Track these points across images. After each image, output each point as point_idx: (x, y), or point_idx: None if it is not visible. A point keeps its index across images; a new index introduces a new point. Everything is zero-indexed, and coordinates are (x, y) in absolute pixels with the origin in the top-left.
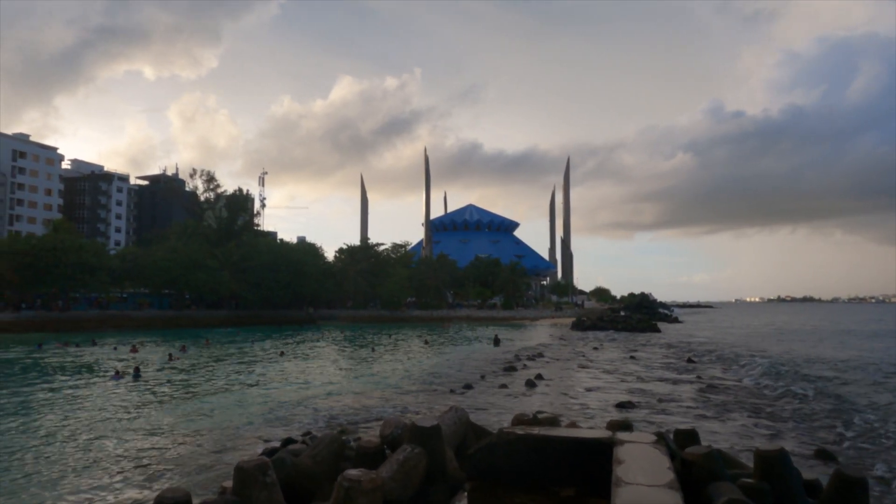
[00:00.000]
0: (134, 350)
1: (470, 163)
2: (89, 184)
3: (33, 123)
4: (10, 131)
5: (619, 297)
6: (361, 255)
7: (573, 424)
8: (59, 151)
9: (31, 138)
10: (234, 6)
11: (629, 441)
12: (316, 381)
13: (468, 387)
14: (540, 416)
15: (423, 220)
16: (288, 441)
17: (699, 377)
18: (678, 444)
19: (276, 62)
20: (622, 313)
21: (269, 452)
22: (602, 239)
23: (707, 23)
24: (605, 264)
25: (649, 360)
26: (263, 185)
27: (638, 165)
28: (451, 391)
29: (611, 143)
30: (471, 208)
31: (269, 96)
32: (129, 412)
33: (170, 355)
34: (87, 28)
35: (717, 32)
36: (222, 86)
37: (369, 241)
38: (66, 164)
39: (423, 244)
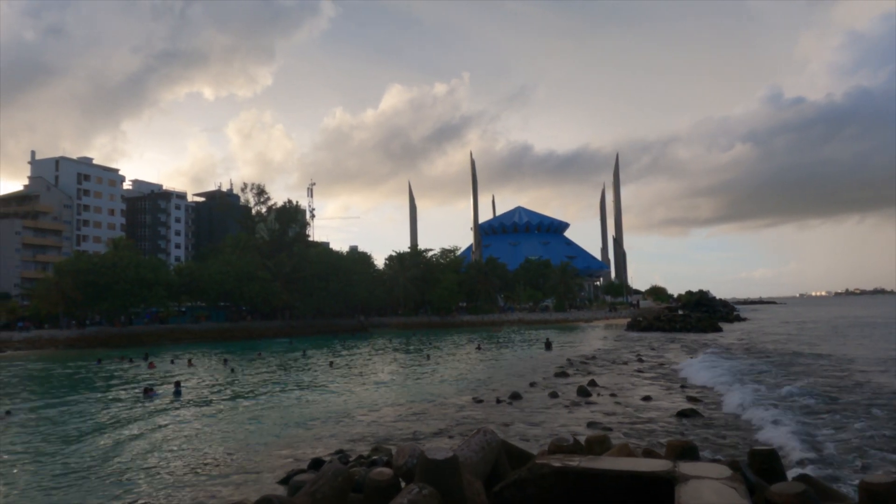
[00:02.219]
0: (190, 363)
1: (521, 165)
2: (149, 202)
3: (103, 149)
4: (84, 156)
5: (675, 295)
6: (411, 262)
7: (625, 448)
8: (120, 172)
9: (101, 163)
10: (285, 24)
11: (696, 476)
12: (361, 393)
13: (516, 396)
14: (582, 437)
15: (472, 224)
16: (316, 463)
17: (775, 381)
18: (755, 469)
19: (327, 75)
20: (680, 312)
21: (294, 474)
22: (657, 236)
23: (760, 9)
24: (660, 262)
25: (713, 362)
26: (312, 196)
27: (693, 159)
28: (498, 401)
29: (664, 137)
30: (519, 210)
31: (321, 109)
32: (162, 429)
33: (226, 362)
34: (151, 54)
35: (771, 17)
36: (277, 101)
37: (418, 248)
38: (127, 185)
39: (473, 248)
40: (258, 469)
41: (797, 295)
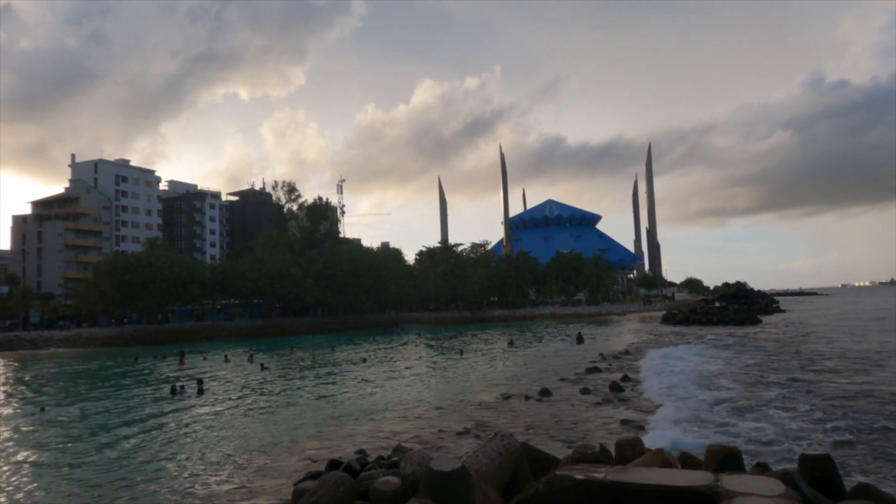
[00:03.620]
0: (227, 360)
1: (553, 158)
2: (185, 202)
3: (143, 151)
4: (121, 159)
5: (711, 287)
6: (441, 257)
7: (660, 454)
8: (156, 174)
9: (141, 165)
10: (318, 23)
11: (743, 493)
12: (390, 389)
13: (545, 392)
14: (612, 439)
15: (502, 218)
16: (333, 464)
17: (818, 379)
18: (809, 478)
19: (358, 73)
20: (717, 304)
21: (311, 476)
22: (693, 228)
23: None
24: (696, 254)
25: (755, 355)
26: (342, 193)
27: (731, 148)
28: (526, 398)
29: (701, 126)
30: (550, 203)
31: (354, 106)
32: (185, 428)
33: (252, 358)
34: (189, 56)
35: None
36: (310, 100)
37: (448, 243)
38: (163, 186)
39: (504, 243)
40: (276, 470)
41: (839, 285)
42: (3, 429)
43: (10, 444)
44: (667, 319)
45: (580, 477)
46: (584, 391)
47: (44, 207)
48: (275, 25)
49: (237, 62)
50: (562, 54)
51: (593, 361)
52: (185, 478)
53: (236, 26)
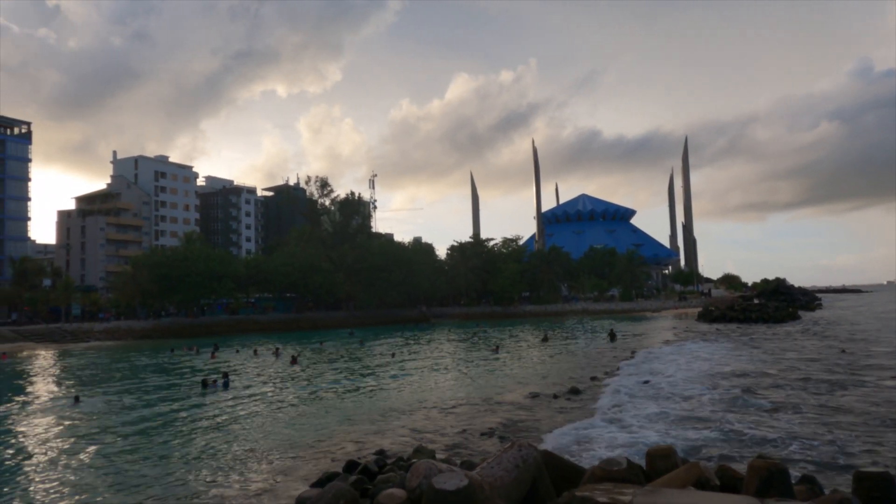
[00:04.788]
0: (255, 353)
1: (588, 151)
2: (221, 198)
3: (184, 148)
4: (160, 155)
5: (749, 284)
6: (472, 252)
7: (695, 469)
8: (194, 169)
9: (182, 161)
10: (353, 19)
11: None
12: (418, 385)
13: (575, 391)
14: (642, 449)
15: (535, 213)
16: (351, 465)
17: (862, 379)
18: (864, 499)
19: (393, 68)
20: (756, 301)
21: (328, 477)
22: (732, 222)
23: None
24: (734, 250)
25: (794, 352)
26: (374, 188)
27: (774, 140)
28: (555, 397)
29: (742, 117)
30: (583, 198)
31: (389, 101)
32: (211, 422)
33: (278, 352)
34: (229, 54)
35: None
36: (346, 96)
37: (480, 238)
38: (200, 181)
39: (536, 237)
40: (294, 469)
41: (884, 282)
42: (39, 418)
43: (42, 433)
44: (703, 316)
45: (603, 500)
46: (616, 391)
47: (87, 203)
48: (311, 22)
49: (275, 59)
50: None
51: (626, 359)
52: (202, 474)
53: (274, 24)
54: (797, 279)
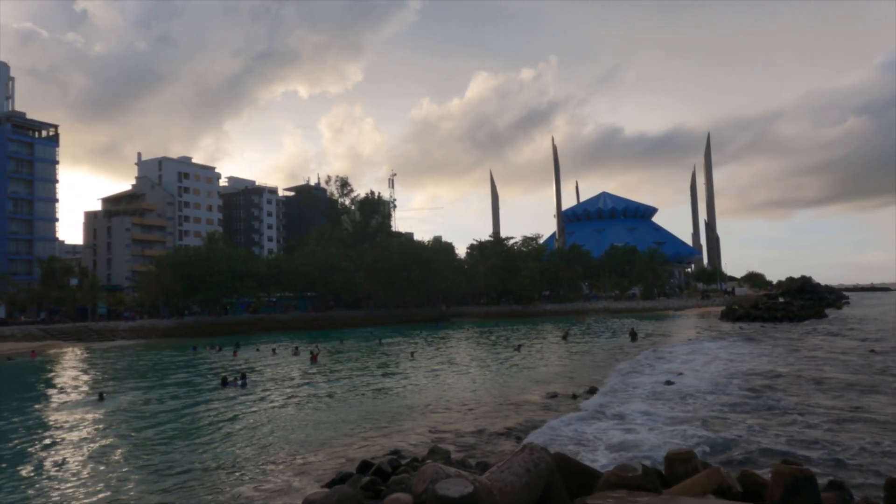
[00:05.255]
0: (273, 352)
1: (609, 149)
2: (243, 198)
3: (207, 149)
4: (183, 156)
5: (774, 282)
6: (491, 251)
7: (716, 475)
8: (216, 170)
9: (207, 162)
10: (373, 19)
11: None
12: (436, 384)
13: (593, 391)
14: (660, 453)
15: (555, 211)
16: (365, 465)
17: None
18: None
19: (414, 67)
20: (781, 300)
21: (342, 478)
22: (756, 220)
23: None
24: (758, 247)
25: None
26: (393, 187)
27: (799, 135)
28: (574, 396)
29: (766, 113)
30: (604, 196)
31: (409, 100)
32: (228, 422)
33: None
34: (250, 56)
35: None
36: (366, 96)
37: (500, 236)
38: (223, 182)
39: (556, 236)
40: (309, 468)
41: None
42: (63, 415)
43: (66, 429)
44: (726, 315)
45: None
46: (636, 388)
47: (112, 204)
48: (332, 23)
49: (296, 60)
50: (620, 42)
51: (646, 358)
52: (217, 473)
53: (295, 24)
54: (823, 277)
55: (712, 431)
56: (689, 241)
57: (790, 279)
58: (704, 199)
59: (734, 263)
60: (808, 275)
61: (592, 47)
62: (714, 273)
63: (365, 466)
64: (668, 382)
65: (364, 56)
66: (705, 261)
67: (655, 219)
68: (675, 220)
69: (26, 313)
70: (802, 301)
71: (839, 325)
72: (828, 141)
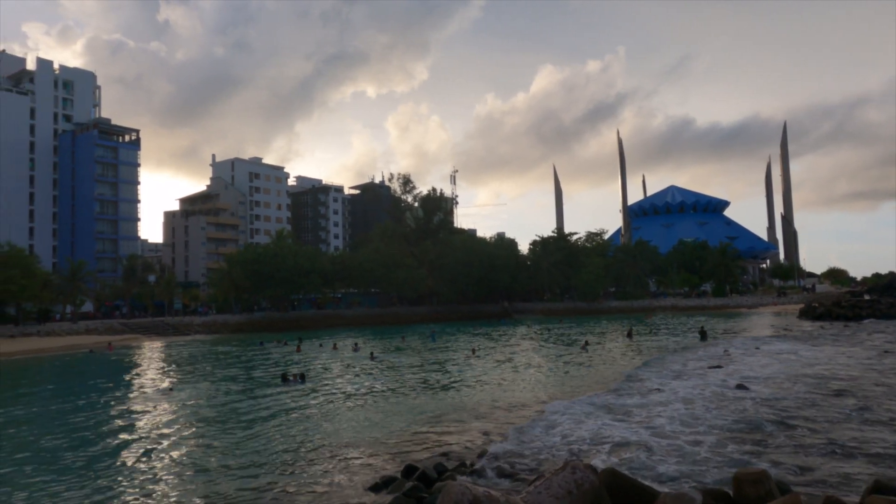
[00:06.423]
0: (334, 347)
1: (680, 141)
2: (311, 197)
3: (280, 150)
4: (266, 160)
5: (859, 278)
6: (554, 247)
7: (795, 502)
8: (285, 170)
9: (279, 163)
10: (438, 17)
11: None
12: (495, 385)
13: (658, 391)
14: (731, 469)
15: (620, 206)
16: (409, 470)
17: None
18: None
19: (479, 63)
20: (866, 297)
21: (386, 482)
22: (837, 213)
23: None
24: (840, 242)
25: None
26: (455, 184)
27: (888, 122)
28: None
29: (851, 99)
30: (672, 190)
31: (474, 97)
32: (283, 416)
33: (357, 346)
34: (321, 58)
35: None
36: (432, 93)
37: (563, 232)
38: (291, 181)
39: (622, 231)
40: (354, 469)
41: None
42: (135, 405)
43: (134, 418)
44: (805, 314)
45: None
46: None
47: (189, 204)
48: (399, 23)
49: (364, 61)
50: (690, 30)
51: (717, 359)
52: (266, 470)
53: (363, 26)
54: None
55: (790, 448)
56: (763, 235)
57: (877, 275)
58: (781, 192)
59: (813, 259)
60: None
61: (662, 36)
62: (791, 269)
63: (409, 471)
64: (740, 386)
65: (430, 54)
66: (782, 256)
67: (728, 213)
68: (749, 213)
69: (110, 309)
70: (891, 298)
71: None
72: None
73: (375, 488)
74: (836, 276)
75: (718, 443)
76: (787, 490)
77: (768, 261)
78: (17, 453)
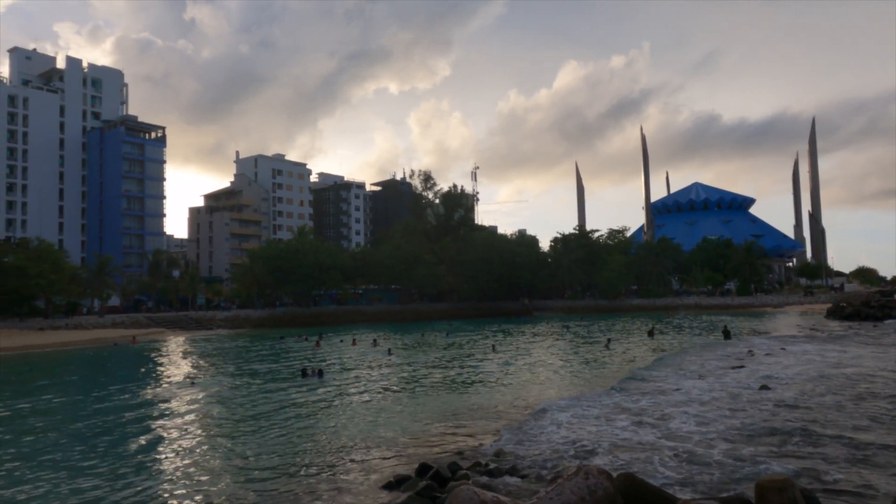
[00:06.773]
0: (353, 343)
1: (706, 137)
2: (332, 193)
3: (303, 147)
4: (289, 157)
5: (889, 277)
6: (575, 244)
7: None
8: (308, 167)
9: (302, 160)
10: (461, 13)
11: None
12: (513, 382)
13: (679, 391)
14: (752, 475)
15: (643, 203)
16: (423, 469)
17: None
18: None
19: (501, 59)
20: None
21: (400, 480)
22: (868, 210)
23: None
24: (871, 241)
25: None
26: (476, 181)
27: None
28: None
29: (884, 94)
30: (696, 187)
31: (497, 93)
32: (301, 410)
33: (376, 342)
34: (344, 56)
35: None
36: (455, 90)
37: (585, 228)
38: (313, 178)
39: (644, 228)
40: (368, 467)
41: None
42: (156, 397)
43: (155, 409)
44: (833, 314)
45: None
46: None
47: (213, 200)
48: (421, 19)
49: (387, 58)
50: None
51: (741, 360)
52: (280, 467)
53: (386, 23)
54: None
55: (814, 454)
56: (790, 233)
57: None
58: (808, 189)
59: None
60: None
61: (688, 31)
62: (819, 268)
63: (423, 469)
64: (764, 387)
65: (452, 51)
66: (809, 254)
67: (754, 210)
68: (775, 211)
69: (136, 303)
70: None
71: None
72: None
73: (389, 487)
74: (865, 275)
75: (738, 445)
76: (812, 499)
77: (795, 259)
78: (38, 444)
